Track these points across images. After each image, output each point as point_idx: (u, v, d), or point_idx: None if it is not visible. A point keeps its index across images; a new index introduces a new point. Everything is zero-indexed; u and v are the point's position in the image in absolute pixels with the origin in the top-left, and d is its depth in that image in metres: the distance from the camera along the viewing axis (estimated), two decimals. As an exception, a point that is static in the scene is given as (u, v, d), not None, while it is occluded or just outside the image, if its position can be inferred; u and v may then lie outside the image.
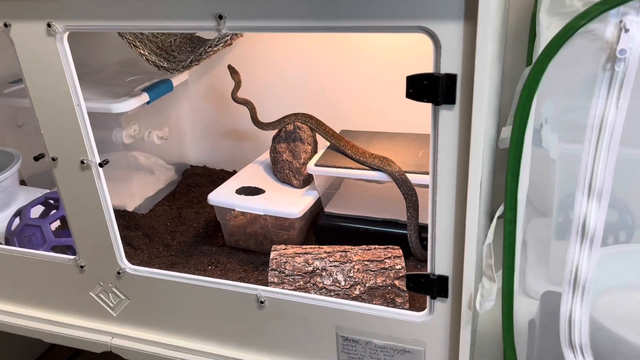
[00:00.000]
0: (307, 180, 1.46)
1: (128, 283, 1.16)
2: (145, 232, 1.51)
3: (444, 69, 0.75)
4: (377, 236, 1.35)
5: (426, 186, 1.30)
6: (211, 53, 1.28)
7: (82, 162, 1.04)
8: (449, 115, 0.78)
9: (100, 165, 1.03)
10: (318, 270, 1.14)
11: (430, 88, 0.76)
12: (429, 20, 0.73)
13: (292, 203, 1.36)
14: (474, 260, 0.85)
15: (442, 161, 0.82)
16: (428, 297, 0.94)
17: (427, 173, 1.27)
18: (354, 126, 1.56)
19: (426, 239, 0.89)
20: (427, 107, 0.80)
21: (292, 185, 1.46)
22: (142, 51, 1.28)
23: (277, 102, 1.60)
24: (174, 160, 1.85)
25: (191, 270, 1.35)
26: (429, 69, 0.77)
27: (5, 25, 0.95)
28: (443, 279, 0.90)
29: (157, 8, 0.86)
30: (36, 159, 1.11)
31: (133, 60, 1.80)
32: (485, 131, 0.79)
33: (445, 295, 0.91)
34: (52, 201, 1.36)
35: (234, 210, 1.39)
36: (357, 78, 1.57)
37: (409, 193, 1.27)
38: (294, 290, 1.12)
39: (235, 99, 1.51)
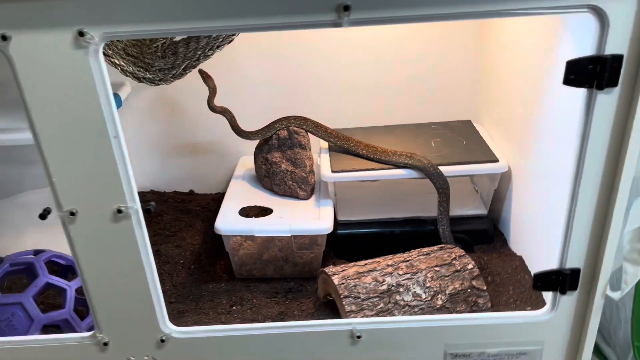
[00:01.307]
0: (313, 190, 1.32)
1: (173, 350, 0.93)
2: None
3: (610, 50, 0.69)
4: (404, 237, 1.27)
5: (458, 177, 1.26)
6: (210, 55, 1.07)
7: (119, 212, 0.79)
8: (608, 101, 0.72)
9: (148, 211, 0.80)
10: (393, 287, 1.02)
11: (594, 71, 0.70)
12: (599, -1, 0.66)
13: (315, 217, 1.21)
14: (614, 248, 0.81)
15: (591, 150, 0.76)
16: (550, 294, 0.89)
17: (456, 164, 1.22)
18: (334, 124, 1.42)
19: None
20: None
21: (298, 198, 1.30)
22: (116, 60, 1.02)
23: (242, 106, 1.40)
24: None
25: (212, 317, 1.14)
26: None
27: (4, 38, 0.68)
28: (575, 272, 0.85)
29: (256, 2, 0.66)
30: (42, 216, 0.83)
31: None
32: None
33: (575, 288, 0.86)
34: (21, 266, 1.04)
35: (234, 237, 1.19)
36: (326, 73, 1.46)
37: (444, 187, 1.20)
38: (376, 314, 0.99)
39: (212, 107, 1.30)
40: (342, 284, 1.02)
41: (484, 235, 1.29)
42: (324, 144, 1.36)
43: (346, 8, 0.66)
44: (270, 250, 1.21)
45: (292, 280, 1.24)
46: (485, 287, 1.05)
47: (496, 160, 1.22)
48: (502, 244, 1.29)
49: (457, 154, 1.26)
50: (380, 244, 1.27)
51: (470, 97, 1.47)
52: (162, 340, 0.91)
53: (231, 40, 1.09)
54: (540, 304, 1.06)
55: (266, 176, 1.33)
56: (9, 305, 0.95)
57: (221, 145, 1.54)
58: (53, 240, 1.39)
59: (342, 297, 1.00)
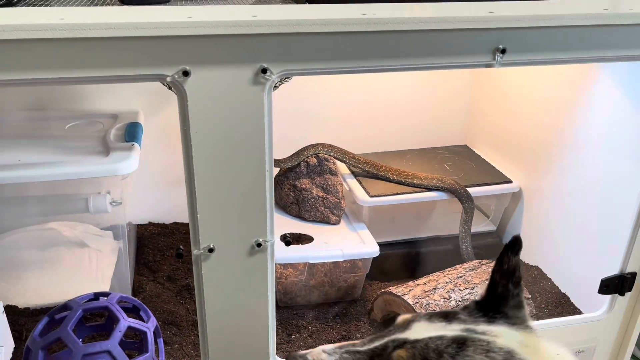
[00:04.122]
0: (341, 215, 1.36)
1: (280, 382, 0.92)
2: (170, 322, 1.17)
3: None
4: (430, 256, 1.36)
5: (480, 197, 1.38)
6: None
7: (258, 245, 0.79)
8: None
9: (288, 242, 0.80)
10: (460, 302, 1.10)
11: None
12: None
13: (358, 241, 1.26)
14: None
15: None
16: (608, 297, 1.03)
17: (478, 185, 1.35)
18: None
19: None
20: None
21: (330, 223, 1.34)
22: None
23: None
24: (104, 224, 1.46)
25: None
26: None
27: (185, 73, 0.66)
28: (633, 276, 1.00)
29: (423, 43, 0.72)
30: (179, 255, 0.79)
31: (37, 101, 1.36)
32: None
33: (630, 290, 1.01)
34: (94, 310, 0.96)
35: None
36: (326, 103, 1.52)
37: (471, 207, 1.32)
38: (452, 329, 1.06)
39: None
40: (417, 303, 1.08)
41: (495, 249, 1.42)
42: (346, 170, 1.41)
43: (503, 51, 0.74)
44: (317, 276, 1.23)
45: (335, 305, 1.26)
46: (529, 296, 1.17)
47: (510, 181, 1.37)
48: (512, 256, 1.42)
49: (473, 176, 1.38)
50: (410, 264, 1.35)
51: (462, 123, 1.61)
52: (273, 373, 0.90)
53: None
54: (568, 307, 1.21)
55: (294, 203, 1.35)
56: (96, 355, 0.87)
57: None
58: (55, 280, 1.29)
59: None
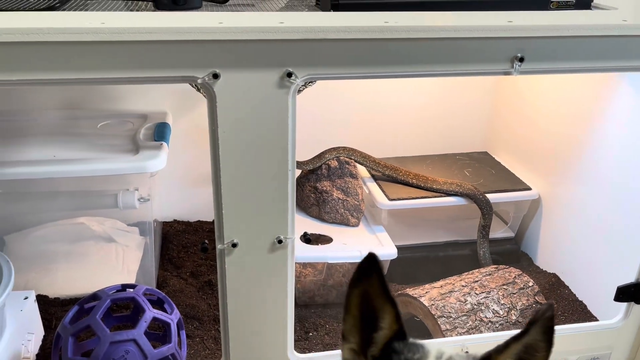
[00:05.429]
0: (360, 217, 1.39)
1: (296, 377, 0.95)
2: (192, 316, 1.21)
3: None
4: (447, 260, 1.38)
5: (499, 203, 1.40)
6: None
7: (279, 242, 0.82)
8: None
9: (308, 240, 0.83)
10: (476, 306, 1.12)
11: None
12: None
13: (376, 243, 1.28)
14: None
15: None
16: (624, 305, 1.03)
17: (497, 192, 1.36)
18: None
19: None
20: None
21: (349, 225, 1.36)
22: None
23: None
24: (131, 220, 1.51)
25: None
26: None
27: (215, 76, 0.69)
28: (649, 284, 1.00)
29: (445, 51, 0.75)
30: (204, 249, 0.82)
31: (70, 101, 1.42)
32: None
33: (646, 297, 1.02)
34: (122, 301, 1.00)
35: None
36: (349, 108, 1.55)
37: (490, 213, 1.33)
38: (467, 332, 1.08)
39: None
40: (433, 305, 1.10)
41: (513, 256, 1.43)
42: (366, 173, 1.44)
43: (521, 59, 0.76)
44: (335, 276, 1.26)
45: (353, 305, 1.29)
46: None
47: (529, 189, 1.38)
48: (529, 263, 1.44)
49: (493, 183, 1.39)
50: (429, 267, 1.37)
51: (483, 130, 1.63)
52: (288, 367, 0.93)
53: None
54: (584, 315, 1.22)
55: (314, 204, 1.38)
56: (123, 343, 0.91)
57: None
58: (83, 272, 1.34)
59: (436, 317, 1.08)
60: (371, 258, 0.55)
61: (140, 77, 0.69)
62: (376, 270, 0.56)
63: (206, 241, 0.99)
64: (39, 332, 1.12)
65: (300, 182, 1.41)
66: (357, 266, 0.57)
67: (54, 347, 0.97)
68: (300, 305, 1.28)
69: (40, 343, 1.11)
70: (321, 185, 1.37)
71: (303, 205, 1.42)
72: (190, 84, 0.94)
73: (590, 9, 0.89)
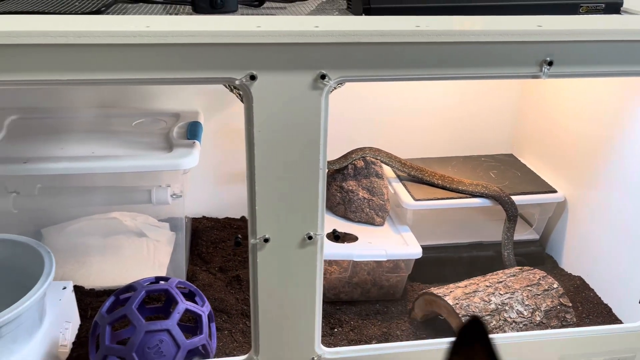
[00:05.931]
0: (385, 217, 1.41)
1: (323, 371, 0.98)
2: (220, 309, 1.25)
3: None
4: (471, 261, 1.39)
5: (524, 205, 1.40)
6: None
7: (309, 238, 0.85)
8: None
9: (337, 237, 0.86)
10: (500, 306, 1.13)
11: None
12: None
13: (401, 242, 1.30)
14: None
15: None
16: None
17: (522, 194, 1.37)
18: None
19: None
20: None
21: (374, 224, 1.39)
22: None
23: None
24: (162, 216, 1.55)
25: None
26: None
27: (252, 77, 0.73)
28: (675, 288, 1.01)
29: (470, 55, 0.76)
30: (238, 244, 0.86)
31: (106, 100, 1.46)
32: None
33: (672, 300, 1.02)
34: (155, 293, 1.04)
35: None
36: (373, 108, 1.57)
37: (515, 215, 1.34)
38: (490, 331, 1.09)
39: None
40: (457, 304, 1.11)
41: (538, 258, 1.44)
42: (391, 174, 1.46)
43: (550, 63, 0.78)
44: (360, 273, 1.29)
45: (377, 303, 1.31)
46: (570, 304, 1.18)
47: (554, 191, 1.38)
48: (554, 266, 1.44)
49: (518, 185, 1.40)
50: (452, 268, 1.38)
51: (509, 132, 1.63)
52: (314, 360, 0.96)
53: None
54: (609, 318, 1.22)
55: (340, 203, 1.41)
56: (157, 332, 0.95)
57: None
58: (116, 265, 1.39)
59: (460, 316, 1.09)
60: (474, 323, 0.45)
61: (181, 78, 0.72)
62: (481, 339, 0.45)
63: (239, 236, 1.02)
64: (76, 321, 1.17)
65: (327, 181, 1.43)
66: (457, 332, 0.46)
67: (91, 335, 1.01)
68: (326, 301, 1.30)
69: (76, 332, 1.15)
70: (347, 185, 1.39)
71: (329, 204, 1.44)
72: (224, 85, 0.98)
73: (620, 14, 0.90)
